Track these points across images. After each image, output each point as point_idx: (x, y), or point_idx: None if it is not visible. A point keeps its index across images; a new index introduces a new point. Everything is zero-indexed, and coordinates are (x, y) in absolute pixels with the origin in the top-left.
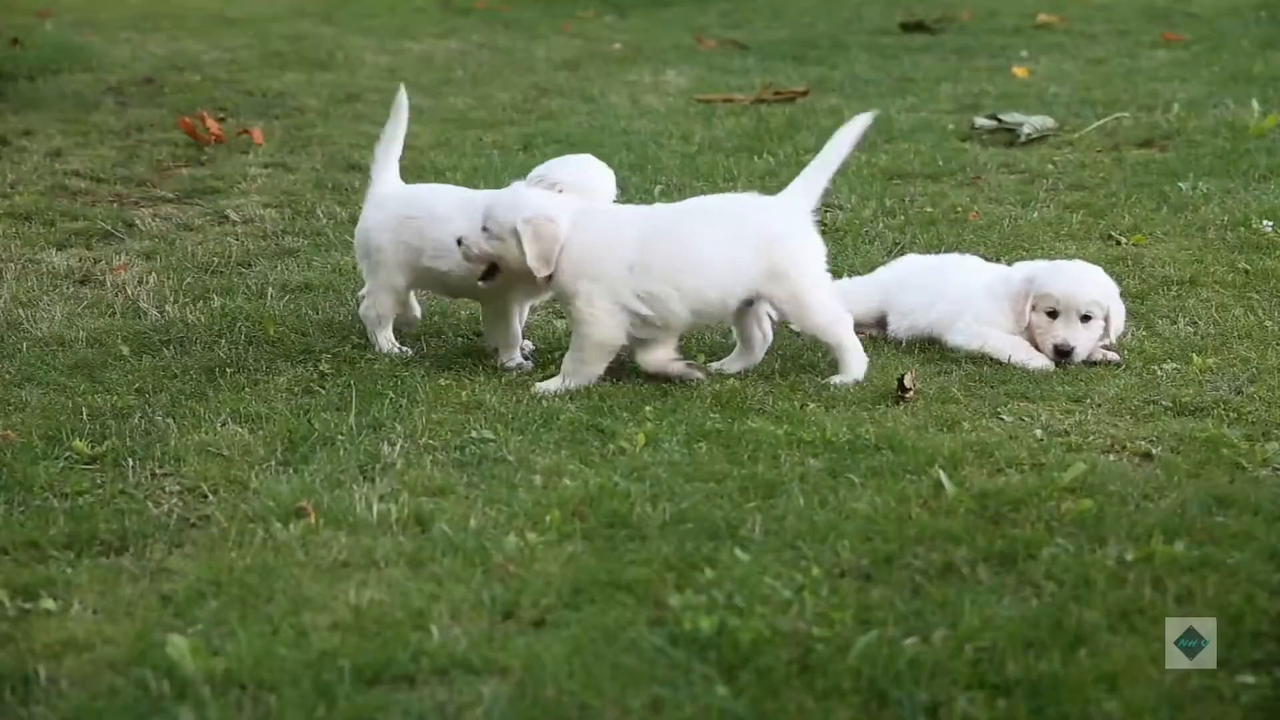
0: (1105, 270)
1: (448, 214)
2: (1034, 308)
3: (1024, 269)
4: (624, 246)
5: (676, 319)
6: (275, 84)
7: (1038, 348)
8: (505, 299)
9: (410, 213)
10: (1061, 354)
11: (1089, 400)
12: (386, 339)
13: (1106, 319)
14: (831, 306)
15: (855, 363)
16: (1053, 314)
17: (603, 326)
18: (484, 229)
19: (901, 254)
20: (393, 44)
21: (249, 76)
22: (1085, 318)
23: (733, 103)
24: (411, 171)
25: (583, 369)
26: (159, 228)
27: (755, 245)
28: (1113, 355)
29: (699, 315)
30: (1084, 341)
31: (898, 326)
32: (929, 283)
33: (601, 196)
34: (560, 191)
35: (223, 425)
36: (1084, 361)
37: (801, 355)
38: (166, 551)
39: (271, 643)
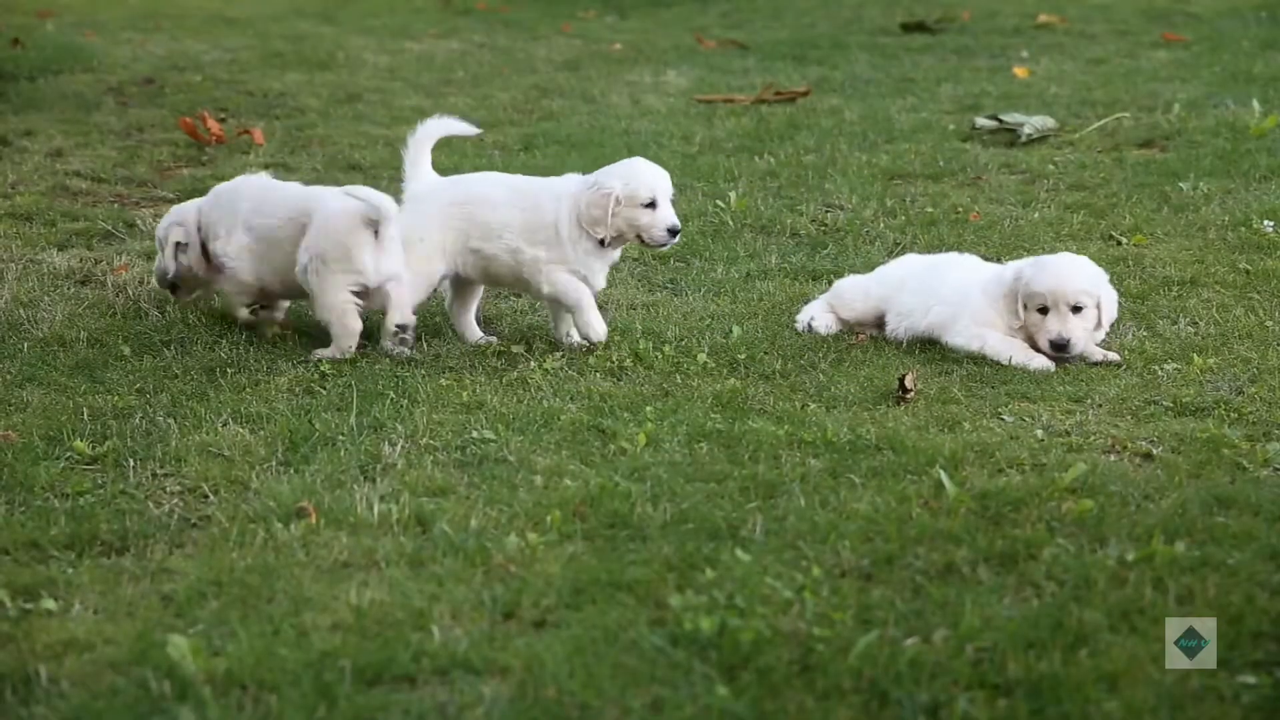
0: (1106, 271)
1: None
2: (1025, 307)
3: (1014, 267)
4: (234, 222)
5: (268, 284)
6: (276, 84)
7: (1035, 347)
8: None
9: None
10: (1058, 347)
11: (1090, 400)
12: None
13: (1099, 307)
14: (330, 300)
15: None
16: (1044, 310)
17: (238, 271)
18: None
19: (902, 255)
20: (393, 44)
21: (249, 77)
22: (1076, 309)
23: (733, 103)
24: None
25: (233, 311)
26: None
27: (295, 225)
28: (1113, 355)
29: (279, 282)
30: (1078, 332)
31: (896, 327)
32: (927, 283)
33: (656, 193)
34: (615, 198)
35: (224, 425)
36: (1085, 362)
37: (802, 355)
38: (167, 552)
39: (272, 643)
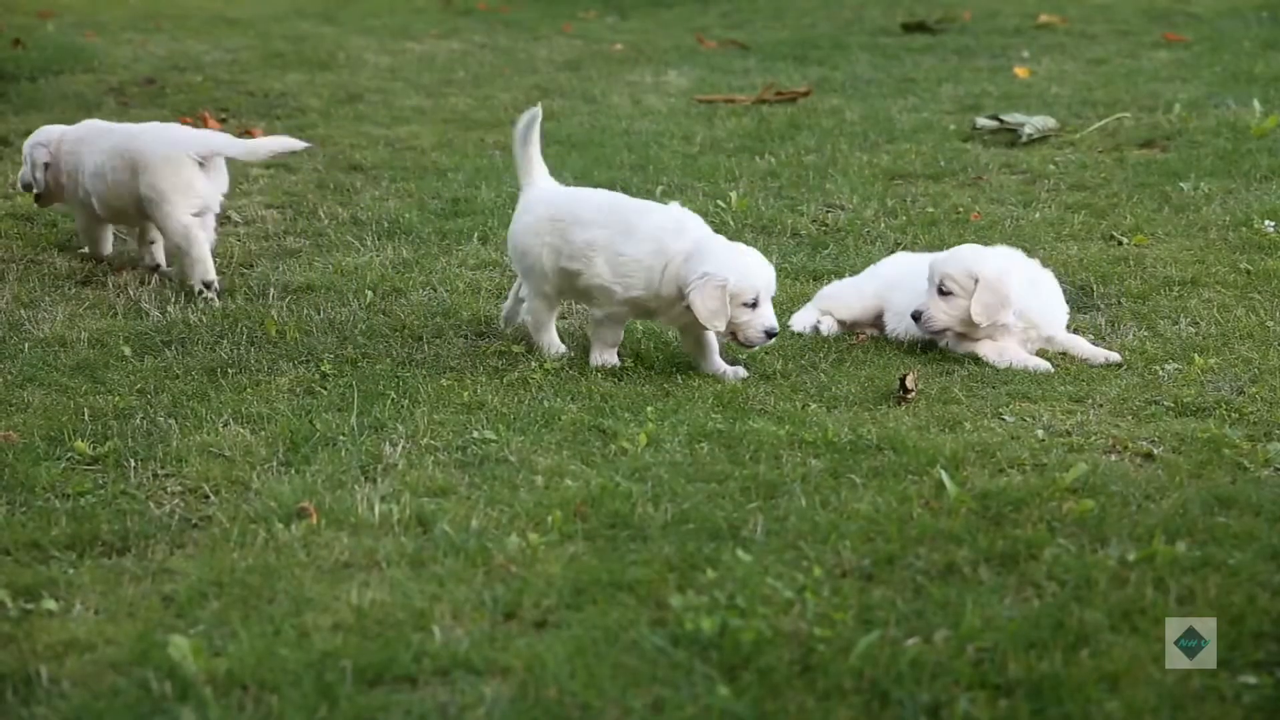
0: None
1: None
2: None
3: None
4: (90, 160)
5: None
6: (277, 84)
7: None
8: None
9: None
10: (913, 318)
11: (1090, 400)
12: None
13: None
14: (177, 227)
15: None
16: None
17: (81, 220)
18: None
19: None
20: (394, 44)
21: (250, 77)
22: (943, 291)
23: (734, 103)
24: (414, 172)
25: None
26: None
27: (131, 169)
28: (1114, 355)
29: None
30: (936, 313)
31: (895, 326)
32: (920, 283)
33: (760, 292)
34: (723, 286)
35: (224, 426)
36: (1088, 363)
37: (803, 355)
38: (168, 552)
39: (273, 643)
